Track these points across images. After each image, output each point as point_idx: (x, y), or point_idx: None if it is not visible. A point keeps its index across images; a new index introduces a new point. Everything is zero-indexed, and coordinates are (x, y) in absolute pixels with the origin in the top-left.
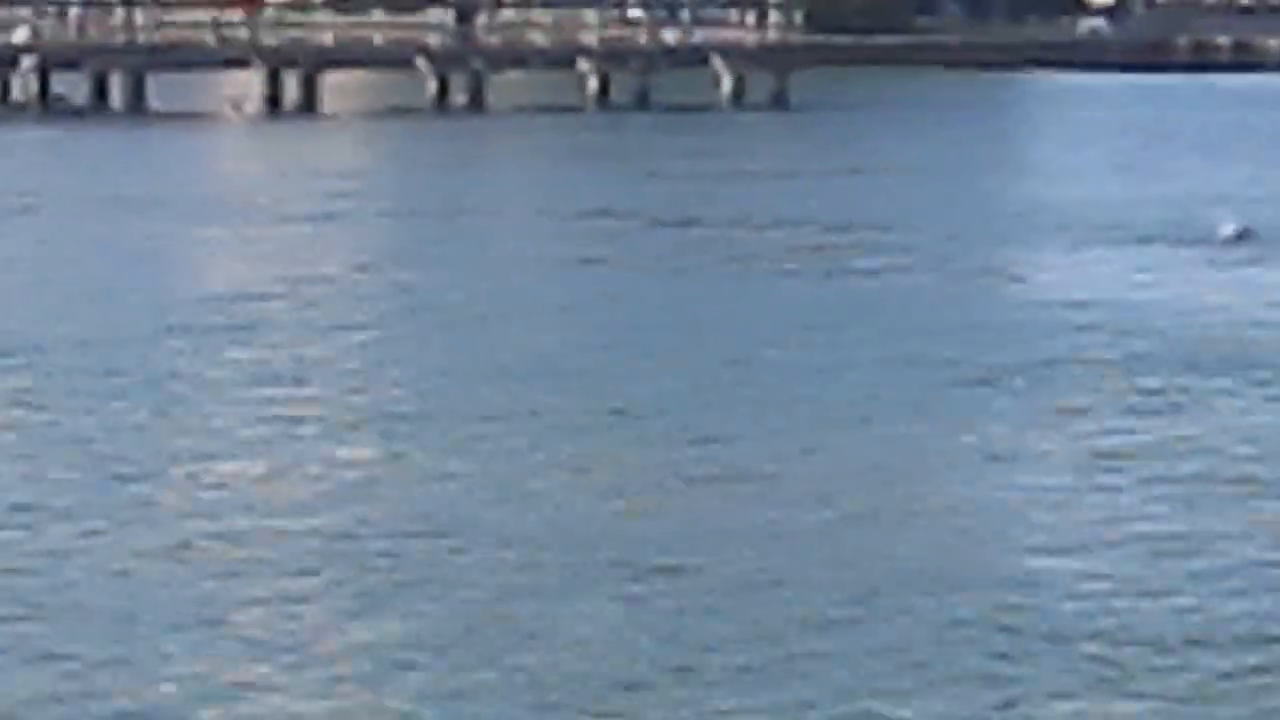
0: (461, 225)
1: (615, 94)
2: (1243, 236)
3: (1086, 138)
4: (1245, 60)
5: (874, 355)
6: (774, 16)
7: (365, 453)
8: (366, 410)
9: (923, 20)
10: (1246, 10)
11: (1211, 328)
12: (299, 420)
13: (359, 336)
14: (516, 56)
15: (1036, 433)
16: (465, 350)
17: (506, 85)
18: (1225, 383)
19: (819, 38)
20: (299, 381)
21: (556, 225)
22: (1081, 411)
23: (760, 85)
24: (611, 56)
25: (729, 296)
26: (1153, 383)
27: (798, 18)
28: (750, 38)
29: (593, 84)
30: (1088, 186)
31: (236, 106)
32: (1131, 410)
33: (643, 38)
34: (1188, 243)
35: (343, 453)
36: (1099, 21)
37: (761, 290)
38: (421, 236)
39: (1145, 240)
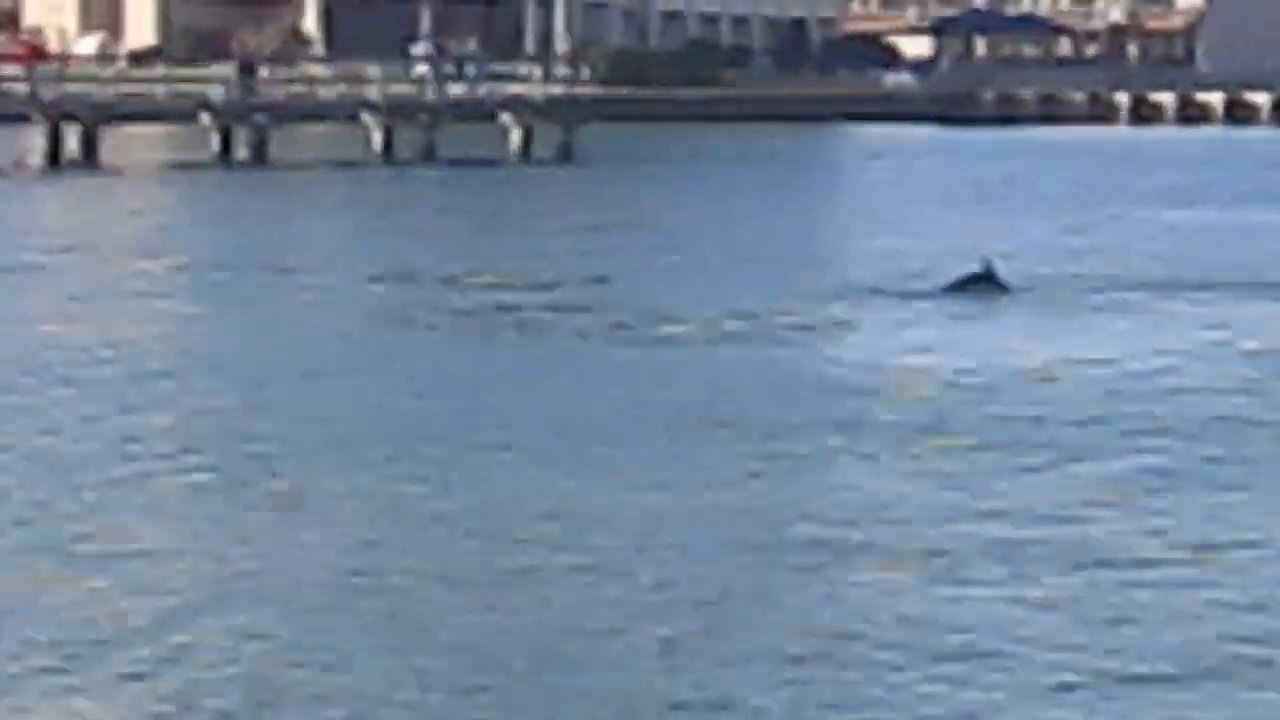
0: (231, 280)
1: (401, 149)
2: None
3: (876, 189)
4: (1051, 112)
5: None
6: (561, 70)
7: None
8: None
9: (731, 74)
10: (1060, 62)
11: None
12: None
13: (104, 392)
14: (300, 111)
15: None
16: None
17: (291, 140)
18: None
19: (611, 91)
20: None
21: (331, 280)
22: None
23: (549, 139)
24: (397, 111)
25: (500, 358)
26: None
27: (585, 72)
28: (538, 91)
29: (377, 138)
30: (861, 239)
31: (19, 162)
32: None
33: (429, 92)
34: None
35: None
36: (905, 76)
37: (524, 351)
38: (190, 291)
39: (906, 294)
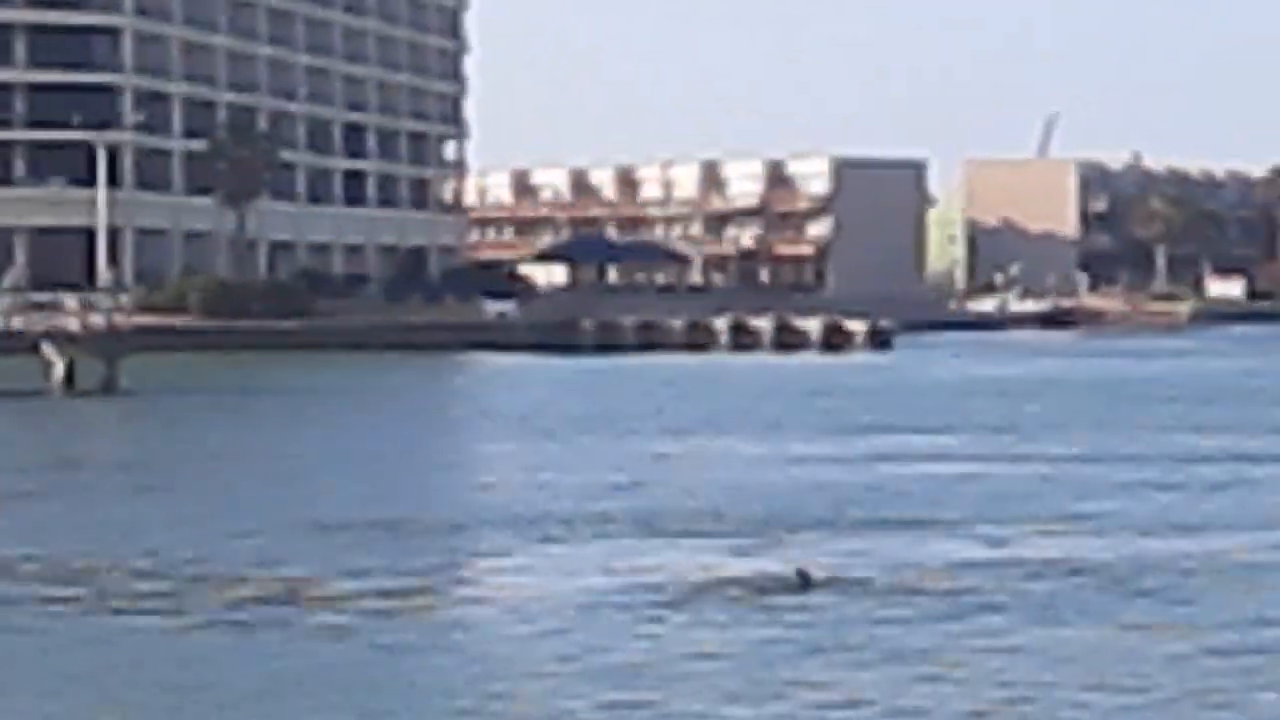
0: None
1: None
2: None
3: (434, 423)
4: (650, 340)
5: None
6: (102, 300)
7: None
8: None
9: (332, 304)
10: (665, 290)
11: None
12: None
13: None
14: None
15: None
16: None
17: None
18: None
19: (203, 321)
20: None
21: None
22: None
23: (92, 371)
24: None
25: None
26: None
27: (125, 300)
28: (76, 322)
29: None
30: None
31: None
32: None
33: None
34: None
35: None
36: (506, 304)
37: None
38: None
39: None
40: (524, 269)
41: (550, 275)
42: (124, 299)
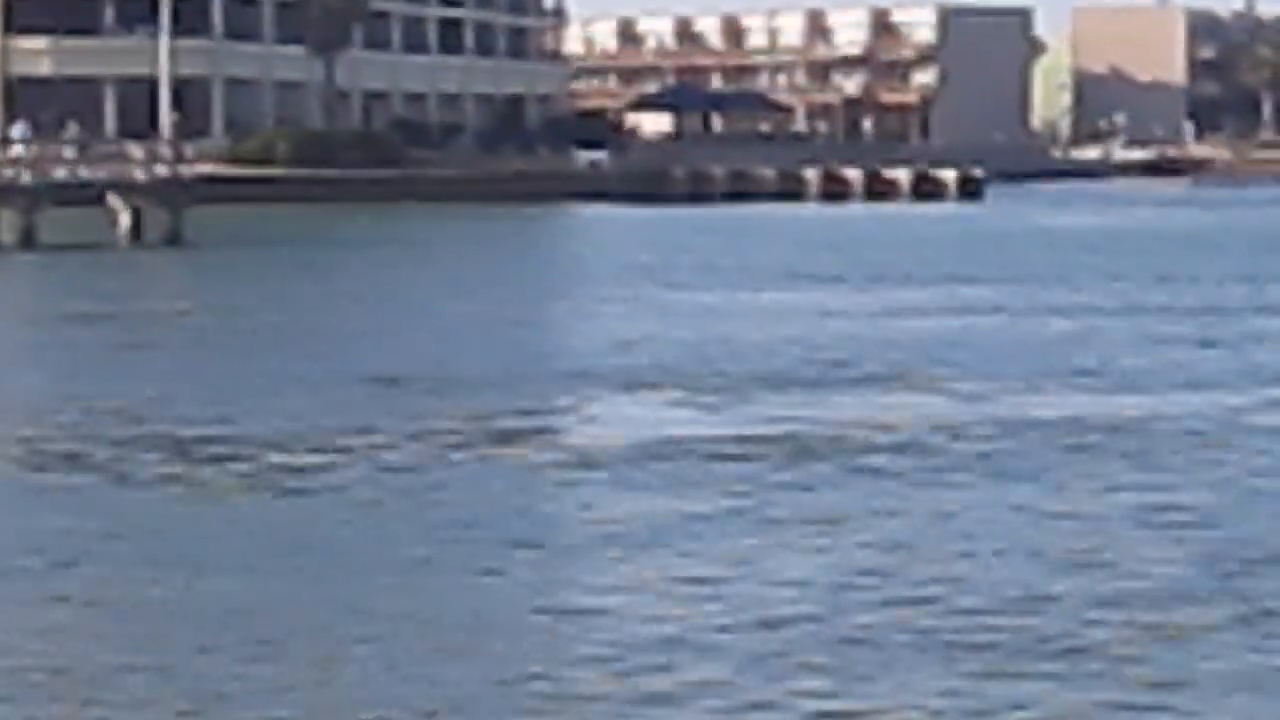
0: None
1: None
2: None
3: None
4: (741, 189)
5: None
6: (165, 150)
7: None
8: None
9: (422, 153)
10: (766, 138)
11: None
12: None
13: None
14: None
15: None
16: None
17: None
18: None
19: (291, 171)
20: None
21: None
22: None
23: (158, 221)
24: None
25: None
26: None
27: (189, 150)
28: (141, 172)
29: None
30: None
31: None
32: None
33: (26, 174)
34: None
35: None
36: (598, 154)
37: None
38: None
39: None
40: (630, 118)
41: (656, 124)
42: (188, 148)
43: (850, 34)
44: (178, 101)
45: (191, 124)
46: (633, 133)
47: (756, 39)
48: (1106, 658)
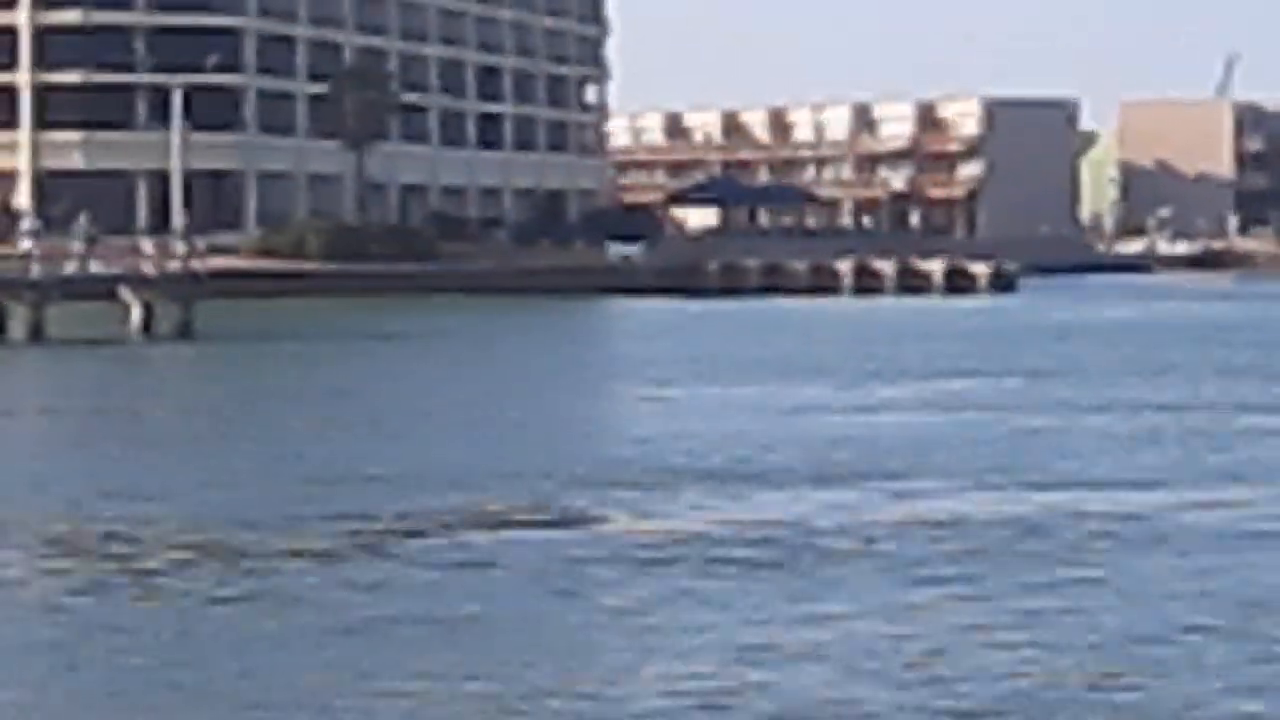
0: None
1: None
2: None
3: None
4: (775, 283)
5: None
6: (177, 245)
7: None
8: None
9: (457, 247)
10: (809, 234)
11: None
12: None
13: None
14: None
15: None
16: None
17: None
18: None
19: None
20: None
21: None
22: None
23: (168, 315)
24: (5, 288)
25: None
26: None
27: (200, 244)
28: (151, 266)
29: None
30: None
31: None
32: None
33: (35, 268)
34: None
35: None
36: (632, 248)
37: None
38: None
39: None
40: (677, 212)
41: (702, 218)
42: (200, 243)
43: (896, 127)
44: (213, 194)
45: (224, 217)
46: (680, 226)
47: (803, 132)
48: None
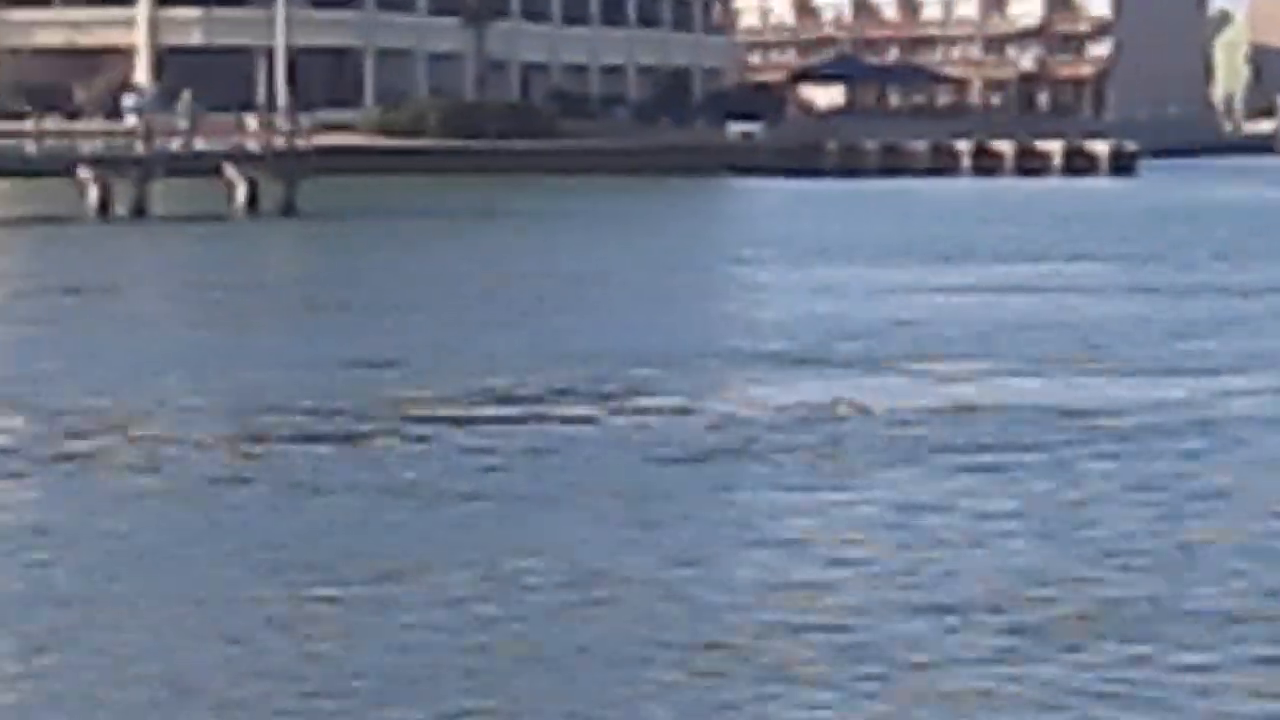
0: None
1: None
2: None
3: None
4: (894, 164)
5: None
6: (280, 122)
7: None
8: None
9: (576, 125)
10: (936, 113)
11: None
12: None
13: None
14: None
15: None
16: None
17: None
18: None
19: (439, 143)
20: None
21: None
22: None
23: (273, 193)
24: (111, 166)
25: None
26: None
27: (305, 121)
28: (255, 143)
29: (93, 194)
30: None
31: None
32: None
33: (140, 145)
34: None
35: None
36: (752, 125)
37: None
38: None
39: None
40: (803, 91)
41: (829, 97)
42: (305, 120)
43: (1025, 6)
44: (332, 71)
45: (342, 94)
46: (807, 106)
47: (931, 11)
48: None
